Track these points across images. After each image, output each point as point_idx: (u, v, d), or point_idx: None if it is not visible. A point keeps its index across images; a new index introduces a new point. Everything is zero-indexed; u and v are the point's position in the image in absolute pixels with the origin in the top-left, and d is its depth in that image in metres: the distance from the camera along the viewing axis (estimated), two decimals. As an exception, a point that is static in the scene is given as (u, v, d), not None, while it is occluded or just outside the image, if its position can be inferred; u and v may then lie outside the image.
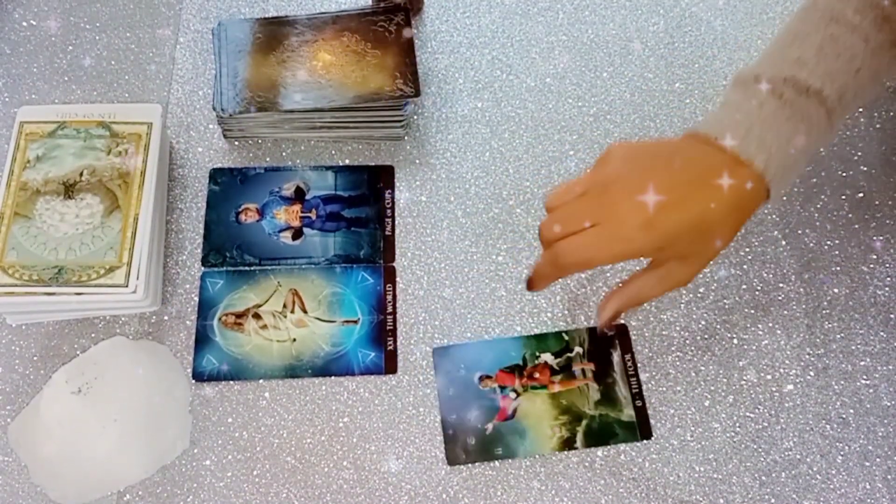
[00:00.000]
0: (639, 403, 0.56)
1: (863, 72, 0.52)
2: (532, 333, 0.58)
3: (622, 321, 0.59)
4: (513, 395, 0.56)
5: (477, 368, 0.57)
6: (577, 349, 0.58)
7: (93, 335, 0.58)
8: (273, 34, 0.65)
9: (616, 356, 0.58)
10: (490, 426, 0.55)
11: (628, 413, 0.56)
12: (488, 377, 0.57)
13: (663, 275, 0.51)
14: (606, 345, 0.58)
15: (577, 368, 0.57)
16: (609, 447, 0.55)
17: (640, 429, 0.56)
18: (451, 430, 0.55)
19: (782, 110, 0.51)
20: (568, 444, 0.55)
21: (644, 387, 0.57)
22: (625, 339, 0.58)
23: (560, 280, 0.59)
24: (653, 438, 0.55)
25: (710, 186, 0.49)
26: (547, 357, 0.57)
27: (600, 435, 0.55)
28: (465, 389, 0.56)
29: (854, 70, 0.52)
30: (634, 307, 0.54)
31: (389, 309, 0.59)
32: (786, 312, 0.60)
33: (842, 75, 0.52)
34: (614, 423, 0.56)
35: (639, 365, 0.58)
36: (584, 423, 0.56)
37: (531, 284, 0.52)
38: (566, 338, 0.58)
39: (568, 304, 0.60)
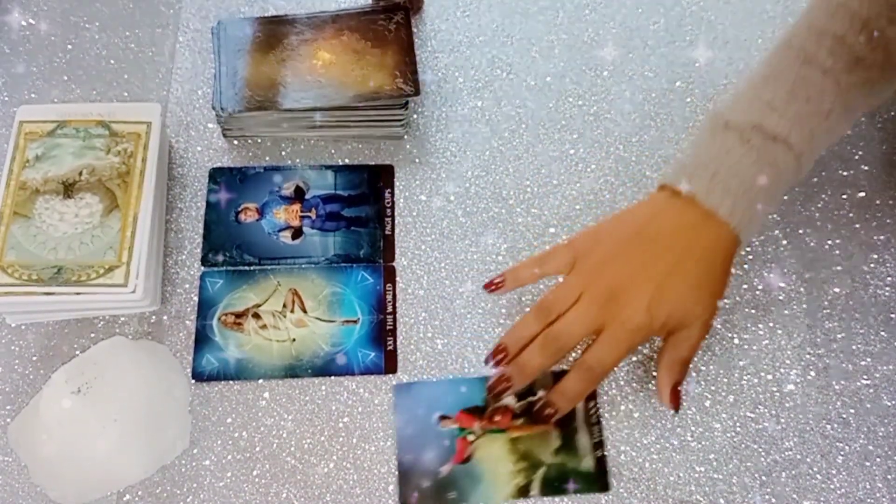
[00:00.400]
0: (599, 454, 0.54)
1: (834, 113, 0.54)
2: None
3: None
4: (471, 437, 0.55)
5: (437, 408, 0.56)
6: (541, 393, 0.56)
7: (92, 335, 0.58)
8: (273, 33, 0.65)
9: (580, 403, 0.55)
10: (446, 468, 0.54)
11: (587, 463, 0.54)
12: (448, 417, 0.55)
13: (685, 336, 0.53)
14: None
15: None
16: (564, 497, 0.53)
17: (598, 480, 0.54)
18: (405, 471, 0.54)
19: (748, 156, 0.53)
20: (523, 491, 0.53)
21: (643, 386, 0.57)
22: None
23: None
24: (612, 489, 0.54)
25: (689, 252, 0.53)
26: (509, 400, 0.56)
27: (557, 484, 0.53)
28: (424, 429, 0.55)
29: (825, 112, 0.53)
30: (685, 373, 0.55)
31: (389, 309, 0.59)
32: (786, 312, 0.60)
33: (812, 118, 0.53)
34: (572, 473, 0.54)
35: (637, 363, 0.58)
36: (541, 470, 0.54)
37: (556, 412, 0.53)
38: (531, 380, 0.55)
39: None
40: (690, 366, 0.57)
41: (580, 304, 0.53)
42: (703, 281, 0.53)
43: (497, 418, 0.55)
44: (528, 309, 0.56)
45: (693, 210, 0.53)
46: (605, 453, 0.54)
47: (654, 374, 0.57)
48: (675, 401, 0.54)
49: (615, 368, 0.54)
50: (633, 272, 0.52)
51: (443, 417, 0.55)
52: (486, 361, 0.55)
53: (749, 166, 0.53)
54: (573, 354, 0.57)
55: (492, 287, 0.57)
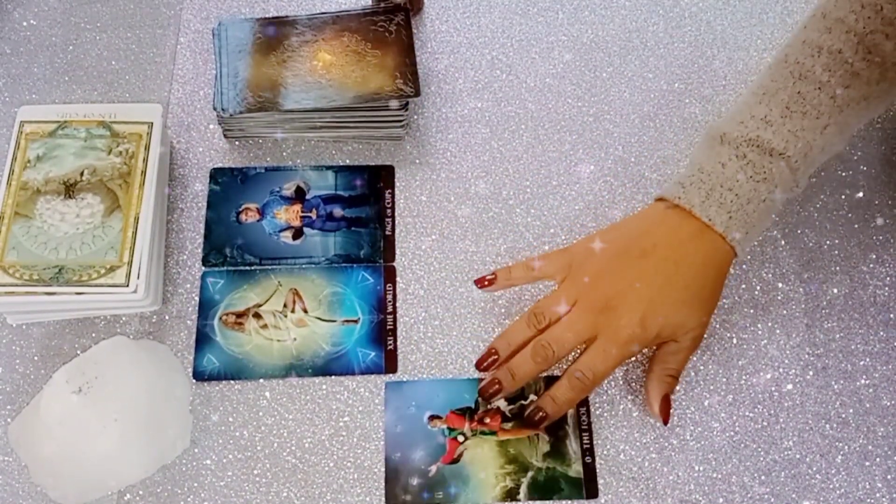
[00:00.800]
0: (588, 460, 0.54)
1: (830, 128, 0.54)
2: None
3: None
4: (461, 438, 0.55)
5: (428, 407, 0.56)
6: (532, 397, 0.56)
7: (93, 335, 0.58)
8: (273, 34, 0.65)
9: (570, 409, 0.56)
10: (434, 468, 0.54)
11: (576, 469, 0.54)
12: (438, 417, 0.55)
13: (675, 349, 0.54)
14: None
15: None
16: (553, 502, 0.53)
17: (587, 487, 0.54)
18: (392, 469, 0.54)
19: (744, 171, 0.53)
20: (511, 494, 0.53)
21: (641, 386, 0.57)
22: None
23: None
24: (598, 497, 0.54)
25: (684, 266, 0.53)
26: (500, 402, 0.56)
27: (545, 488, 0.53)
28: (413, 428, 0.55)
29: (821, 127, 0.54)
30: (675, 385, 0.55)
31: (389, 309, 0.59)
32: (785, 312, 0.60)
33: (808, 133, 0.53)
34: (561, 478, 0.54)
35: (636, 363, 0.58)
36: (529, 474, 0.54)
37: (546, 417, 0.53)
38: (522, 385, 0.56)
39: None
40: (689, 366, 0.57)
41: (574, 312, 0.53)
42: (697, 295, 0.53)
43: (487, 420, 0.55)
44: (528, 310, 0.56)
45: (689, 223, 0.53)
46: (595, 460, 0.54)
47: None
48: (666, 412, 0.54)
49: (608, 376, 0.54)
50: (628, 284, 0.53)
51: (433, 417, 0.56)
52: (477, 366, 0.55)
53: (745, 181, 0.53)
54: (565, 361, 0.57)
55: (483, 283, 0.57)
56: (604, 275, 0.53)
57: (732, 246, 0.53)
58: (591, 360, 0.52)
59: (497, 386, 0.54)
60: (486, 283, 0.57)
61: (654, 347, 0.55)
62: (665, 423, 0.55)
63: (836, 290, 0.61)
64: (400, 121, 0.64)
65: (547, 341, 0.53)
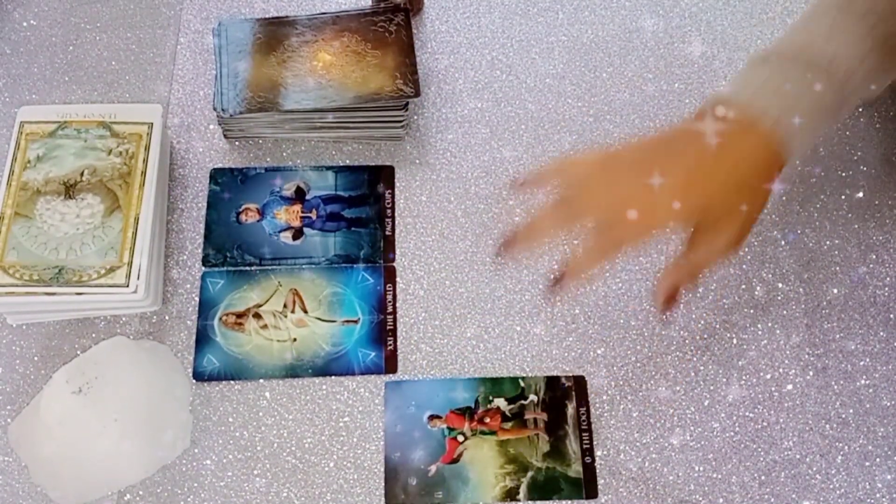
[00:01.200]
0: (588, 460, 0.54)
1: (869, 60, 0.53)
2: (488, 376, 0.57)
3: (580, 373, 0.57)
4: (461, 437, 0.55)
5: (427, 407, 0.56)
6: (532, 397, 0.56)
7: (93, 335, 0.58)
8: (273, 34, 0.65)
9: (571, 408, 0.56)
10: (434, 468, 0.54)
11: (576, 469, 0.54)
12: (437, 417, 0.55)
13: (709, 240, 0.50)
14: (562, 396, 0.56)
15: (529, 417, 0.56)
16: (553, 502, 0.53)
17: (587, 487, 0.54)
18: (392, 468, 0.54)
19: (790, 84, 0.51)
20: (510, 494, 0.53)
21: (641, 386, 0.57)
22: (581, 391, 0.57)
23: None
24: (598, 498, 0.54)
25: (729, 155, 0.49)
26: (500, 402, 0.56)
27: (545, 488, 0.53)
28: (413, 427, 0.55)
29: (861, 56, 0.52)
30: (692, 281, 0.52)
31: (389, 309, 0.59)
32: (785, 312, 0.60)
33: (850, 59, 0.52)
34: (560, 479, 0.54)
35: (636, 363, 0.58)
36: (529, 474, 0.54)
37: (563, 277, 0.49)
38: (522, 384, 0.56)
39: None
40: (689, 365, 0.57)
41: (606, 175, 0.50)
42: (742, 184, 0.49)
43: (487, 420, 0.55)
44: (529, 310, 0.56)
45: (733, 124, 0.50)
46: (594, 460, 0.55)
47: (653, 375, 0.58)
48: (669, 302, 0.51)
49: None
50: (670, 158, 0.49)
51: (433, 417, 0.56)
52: (498, 250, 0.50)
53: (790, 93, 0.51)
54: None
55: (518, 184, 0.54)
56: (644, 151, 0.50)
57: (778, 148, 0.50)
58: (623, 224, 0.48)
59: (515, 241, 0.50)
60: (520, 184, 0.53)
61: (688, 238, 0.52)
62: (663, 312, 0.51)
63: (836, 290, 0.61)
64: (400, 121, 0.64)
65: (572, 197, 0.49)
